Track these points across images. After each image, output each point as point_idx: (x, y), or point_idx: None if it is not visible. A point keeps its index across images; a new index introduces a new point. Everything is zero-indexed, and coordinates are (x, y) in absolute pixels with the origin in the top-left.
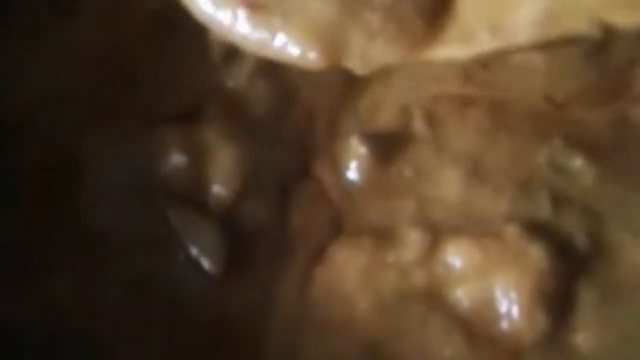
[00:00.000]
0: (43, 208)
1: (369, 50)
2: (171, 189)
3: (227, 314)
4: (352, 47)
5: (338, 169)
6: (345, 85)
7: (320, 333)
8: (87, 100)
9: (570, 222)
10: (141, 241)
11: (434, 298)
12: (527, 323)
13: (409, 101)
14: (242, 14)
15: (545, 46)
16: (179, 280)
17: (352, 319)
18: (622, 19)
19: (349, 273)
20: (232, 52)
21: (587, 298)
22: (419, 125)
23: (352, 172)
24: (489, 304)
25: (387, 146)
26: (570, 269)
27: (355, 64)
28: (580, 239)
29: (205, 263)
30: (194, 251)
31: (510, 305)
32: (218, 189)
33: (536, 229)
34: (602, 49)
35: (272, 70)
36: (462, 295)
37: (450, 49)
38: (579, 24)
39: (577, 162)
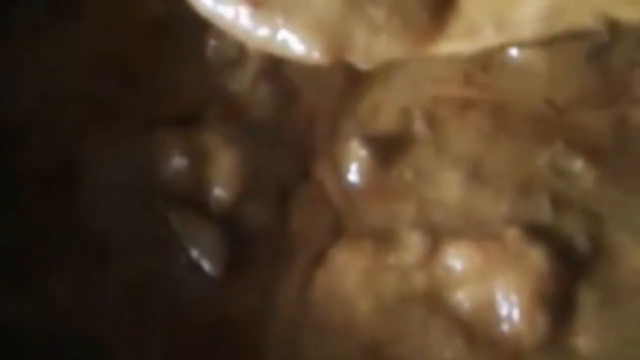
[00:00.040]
0: (43, 208)
1: (373, 45)
2: (172, 191)
3: (228, 316)
4: (356, 42)
5: (338, 171)
6: (346, 88)
7: (320, 335)
8: (87, 101)
9: (571, 225)
10: (141, 242)
11: (434, 300)
12: (528, 326)
13: (409, 103)
14: (244, 11)
15: (548, 43)
16: (179, 281)
17: (353, 321)
18: (627, 13)
19: (349, 275)
20: (236, 56)
21: (587, 300)
22: (419, 127)
23: (353, 175)
24: (490, 306)
25: (388, 148)
26: (570, 272)
27: (359, 59)
28: (581, 242)
29: (206, 265)
30: (194, 253)
31: (510, 308)
32: (219, 191)
33: (536, 232)
34: (603, 50)
35: (275, 73)
36: (463, 298)
37: (455, 44)
38: (584, 19)
39: (578, 165)
